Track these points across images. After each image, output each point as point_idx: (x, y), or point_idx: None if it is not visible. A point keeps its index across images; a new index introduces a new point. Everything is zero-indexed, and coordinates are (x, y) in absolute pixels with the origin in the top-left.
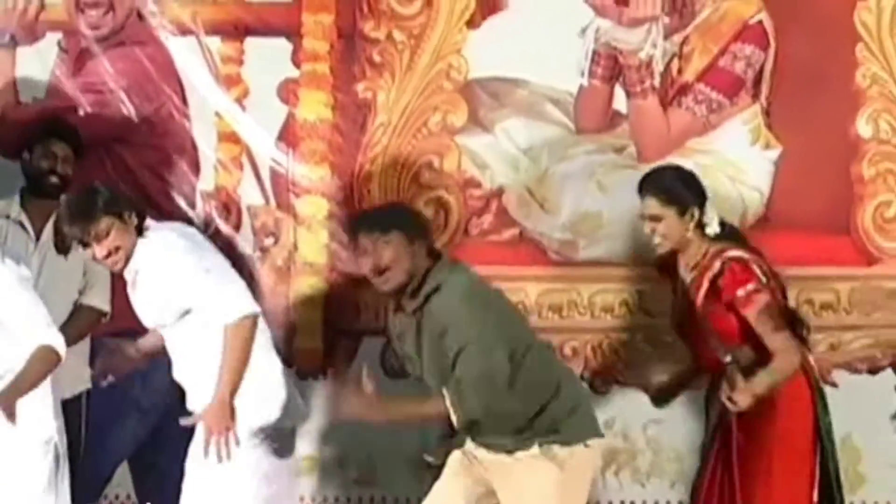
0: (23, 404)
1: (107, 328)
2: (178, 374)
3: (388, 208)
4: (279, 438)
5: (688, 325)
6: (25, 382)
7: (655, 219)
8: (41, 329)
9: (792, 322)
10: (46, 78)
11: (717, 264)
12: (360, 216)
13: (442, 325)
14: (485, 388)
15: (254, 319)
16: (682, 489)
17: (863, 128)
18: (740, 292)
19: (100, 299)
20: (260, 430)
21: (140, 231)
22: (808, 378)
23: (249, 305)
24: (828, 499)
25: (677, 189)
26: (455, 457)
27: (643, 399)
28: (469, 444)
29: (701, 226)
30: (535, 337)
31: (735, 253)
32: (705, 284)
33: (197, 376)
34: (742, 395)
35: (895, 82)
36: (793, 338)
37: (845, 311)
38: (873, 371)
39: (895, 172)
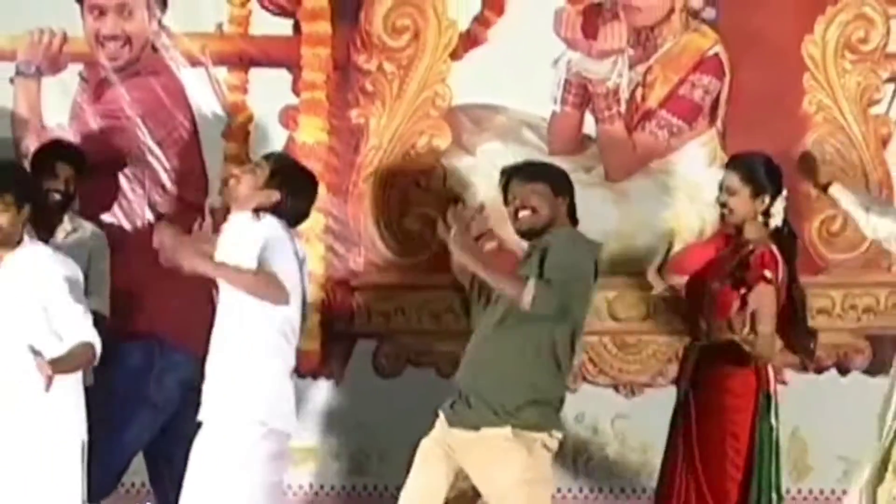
0: (60, 409)
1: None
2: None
3: (543, 163)
4: (281, 437)
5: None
6: (70, 362)
7: (732, 192)
8: (84, 327)
9: (805, 333)
10: (69, 105)
11: (760, 248)
12: (514, 165)
13: (546, 241)
14: (563, 274)
15: (282, 291)
16: (645, 476)
17: (809, 149)
18: (765, 272)
19: (100, 304)
20: (269, 429)
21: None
22: (758, 380)
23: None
24: (759, 482)
25: (759, 173)
26: (424, 446)
27: (611, 395)
28: (439, 430)
29: (767, 214)
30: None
31: (773, 246)
32: (734, 259)
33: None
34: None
35: (838, 109)
36: (776, 336)
37: None
38: (819, 371)
39: None
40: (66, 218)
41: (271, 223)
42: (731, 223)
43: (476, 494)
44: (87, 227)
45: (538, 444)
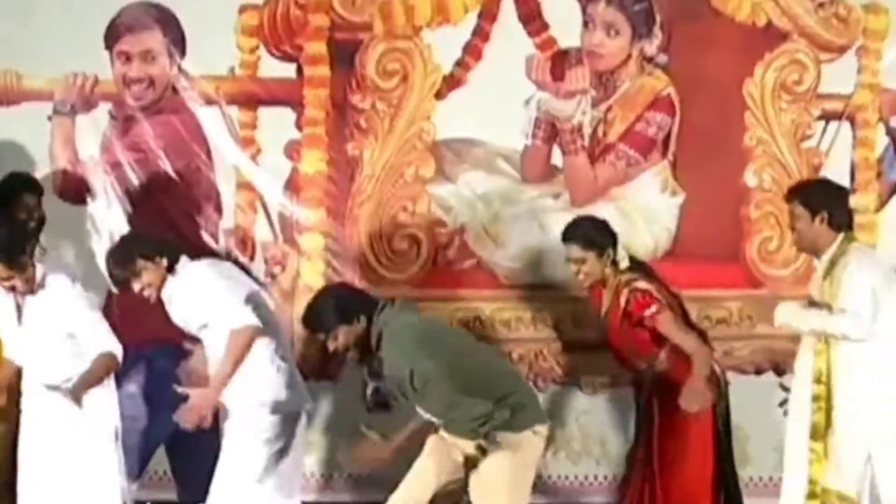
0: (95, 401)
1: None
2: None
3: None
4: (287, 420)
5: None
6: (91, 378)
7: (579, 261)
8: (104, 339)
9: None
10: (100, 139)
11: (625, 293)
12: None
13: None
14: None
15: (254, 329)
16: (605, 466)
17: (750, 179)
18: (647, 312)
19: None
20: (272, 403)
21: (171, 269)
22: (713, 376)
23: (251, 318)
24: (722, 467)
25: (594, 236)
26: (432, 439)
27: (575, 395)
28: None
29: (615, 262)
30: (485, 348)
31: (638, 284)
32: (619, 310)
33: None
34: (687, 401)
35: (775, 143)
36: (699, 337)
37: (736, 325)
38: (758, 372)
39: (775, 214)
40: (41, 238)
41: (190, 269)
42: (587, 285)
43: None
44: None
45: (525, 441)
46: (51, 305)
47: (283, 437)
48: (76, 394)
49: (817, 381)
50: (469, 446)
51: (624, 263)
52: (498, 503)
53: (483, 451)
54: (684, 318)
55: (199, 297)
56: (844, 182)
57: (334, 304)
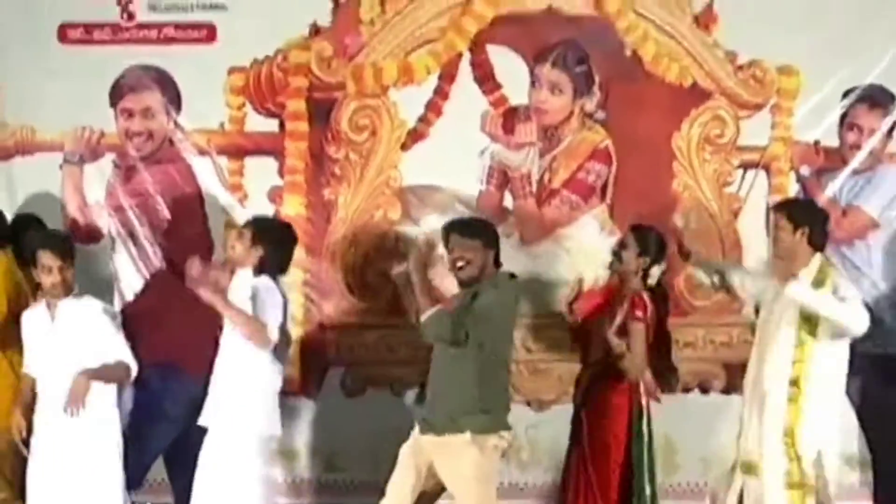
0: (102, 411)
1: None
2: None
3: (477, 221)
4: (271, 440)
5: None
6: (102, 374)
7: (624, 246)
8: (121, 351)
9: (668, 368)
10: (105, 186)
11: (633, 295)
12: (454, 222)
13: (478, 287)
14: (486, 317)
15: (269, 341)
16: (554, 473)
17: (678, 220)
18: (638, 313)
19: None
20: (269, 438)
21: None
22: (631, 394)
23: (274, 334)
24: (637, 479)
25: (650, 239)
26: (404, 450)
27: (525, 410)
28: (414, 438)
29: (646, 274)
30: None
31: (646, 295)
32: (626, 304)
33: (217, 384)
34: (614, 341)
35: (700, 189)
36: (645, 361)
37: None
38: (686, 390)
39: (701, 252)
40: None
41: (263, 280)
42: (617, 272)
43: (441, 489)
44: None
45: (490, 444)
46: (83, 315)
47: (261, 455)
48: (80, 383)
49: (793, 383)
50: (437, 450)
51: (652, 281)
52: (470, 495)
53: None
54: (666, 353)
55: (264, 299)
56: (760, 224)
57: (495, 235)
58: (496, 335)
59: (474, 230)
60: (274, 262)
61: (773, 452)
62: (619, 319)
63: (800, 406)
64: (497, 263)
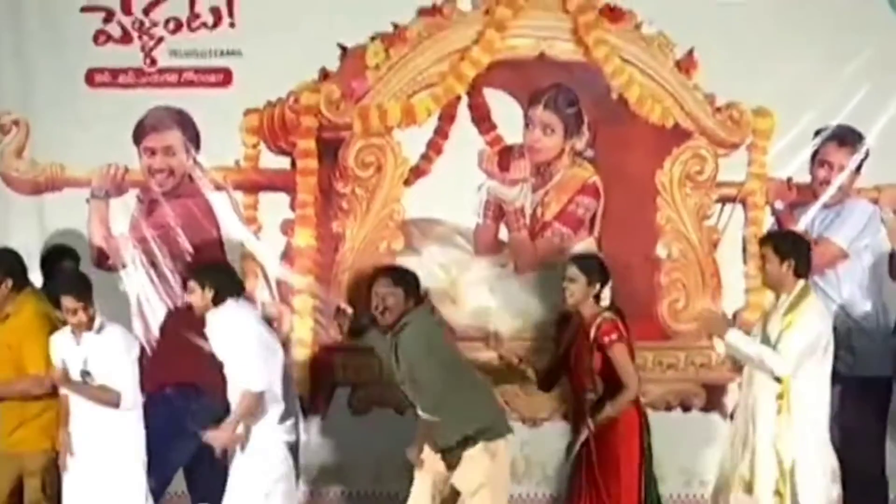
0: (126, 433)
1: (168, 381)
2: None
3: (401, 270)
4: (289, 450)
5: (570, 361)
6: (89, 393)
7: (571, 280)
8: (121, 381)
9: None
10: (129, 219)
11: (598, 320)
12: (381, 269)
13: (403, 350)
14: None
15: (260, 394)
16: (545, 487)
17: (661, 251)
18: (608, 338)
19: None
20: (287, 444)
21: (218, 300)
22: (638, 407)
23: (260, 384)
24: (646, 489)
25: (592, 267)
26: (421, 458)
27: (519, 428)
28: (428, 450)
29: (598, 297)
30: (472, 369)
31: (608, 315)
32: (592, 332)
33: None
34: (597, 419)
35: (682, 222)
36: (637, 375)
37: (650, 370)
38: (668, 409)
39: (682, 281)
40: None
41: (229, 307)
42: (570, 304)
43: (457, 494)
44: None
45: (500, 448)
46: (103, 348)
47: (285, 464)
48: (70, 387)
49: (779, 397)
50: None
51: (604, 303)
52: (483, 502)
53: (453, 463)
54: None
55: (231, 342)
56: (737, 254)
57: (413, 277)
58: (432, 362)
59: (399, 278)
60: (226, 290)
61: (765, 466)
62: (596, 358)
63: (783, 417)
64: (417, 302)
